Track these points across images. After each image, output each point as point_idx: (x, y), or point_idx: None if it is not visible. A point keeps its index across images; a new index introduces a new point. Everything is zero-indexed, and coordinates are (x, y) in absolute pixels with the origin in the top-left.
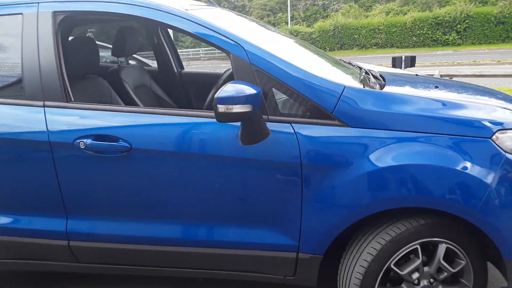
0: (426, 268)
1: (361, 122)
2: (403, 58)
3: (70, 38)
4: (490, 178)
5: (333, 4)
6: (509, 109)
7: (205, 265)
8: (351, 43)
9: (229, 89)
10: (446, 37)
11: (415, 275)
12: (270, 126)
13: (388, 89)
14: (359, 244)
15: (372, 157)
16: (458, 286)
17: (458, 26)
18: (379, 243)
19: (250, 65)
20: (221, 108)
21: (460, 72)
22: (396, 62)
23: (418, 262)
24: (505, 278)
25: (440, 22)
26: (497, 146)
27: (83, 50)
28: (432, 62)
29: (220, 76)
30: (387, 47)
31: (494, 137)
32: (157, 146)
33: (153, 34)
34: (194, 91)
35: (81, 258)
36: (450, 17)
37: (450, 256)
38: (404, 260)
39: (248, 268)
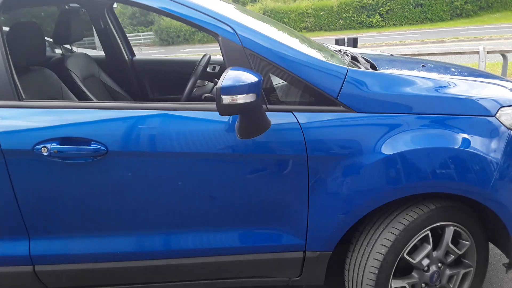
0: (434, 253)
1: (368, 106)
2: (346, 40)
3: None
4: (498, 156)
5: None
6: (503, 86)
7: (205, 276)
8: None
9: (231, 77)
10: (370, 19)
11: (426, 262)
12: (270, 116)
13: (385, 71)
14: (370, 236)
15: (382, 143)
16: (462, 267)
17: (381, 8)
18: (393, 233)
19: (243, 48)
20: (226, 99)
21: (401, 52)
22: (339, 44)
23: (428, 248)
24: (507, 255)
25: (364, 5)
26: (501, 124)
27: (27, 37)
28: (361, 44)
29: (197, 62)
30: (316, 30)
31: (497, 114)
32: (142, 147)
33: (98, 18)
34: (149, 80)
35: (50, 284)
36: (373, 0)
37: (454, 238)
38: (413, 248)
39: (251, 274)
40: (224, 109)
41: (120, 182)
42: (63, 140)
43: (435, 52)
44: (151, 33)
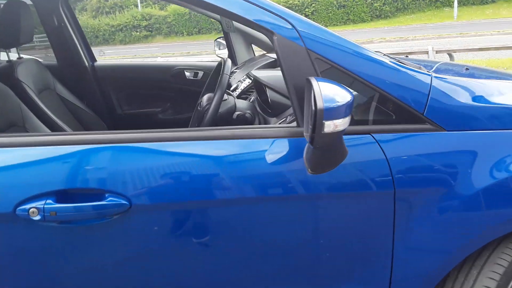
0: None
1: (459, 123)
2: None
3: None
4: None
5: None
6: None
7: None
8: (208, 27)
9: (328, 95)
10: None
11: None
12: (345, 139)
13: (451, 77)
14: (459, 285)
15: (488, 166)
16: None
17: (306, 9)
18: (493, 278)
19: (306, 51)
20: (330, 126)
21: None
22: None
23: None
24: None
25: (290, 6)
26: None
27: None
28: None
29: (220, 71)
30: None
31: None
32: (185, 195)
33: (51, 13)
34: (115, 91)
35: None
36: (299, 1)
37: None
38: None
39: None
40: (323, 140)
41: (149, 250)
42: (61, 195)
43: (386, 53)
44: None
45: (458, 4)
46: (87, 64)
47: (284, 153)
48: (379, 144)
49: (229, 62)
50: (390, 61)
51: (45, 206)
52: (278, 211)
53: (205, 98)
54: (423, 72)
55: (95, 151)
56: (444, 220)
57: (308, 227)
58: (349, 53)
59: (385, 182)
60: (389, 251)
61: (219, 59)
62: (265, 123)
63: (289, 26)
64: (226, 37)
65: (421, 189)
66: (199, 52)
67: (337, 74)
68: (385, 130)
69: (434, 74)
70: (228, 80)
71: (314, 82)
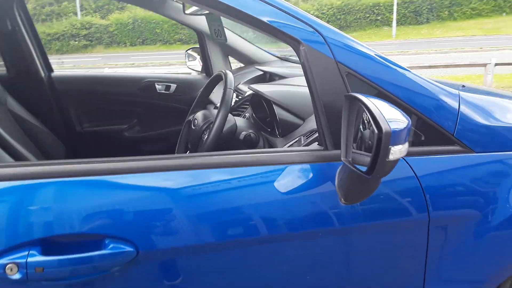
0: None
1: (488, 143)
2: None
3: None
4: None
5: None
6: None
7: None
8: (153, 37)
9: (388, 117)
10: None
11: None
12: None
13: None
14: None
15: None
16: None
17: None
18: None
19: (336, 64)
20: (395, 152)
21: None
22: None
23: None
24: None
25: None
26: None
27: None
28: None
29: (222, 86)
30: (192, 43)
31: None
32: (207, 236)
33: (4, 16)
34: (75, 105)
35: None
36: None
37: None
38: None
39: None
40: (386, 168)
41: None
42: (48, 245)
43: None
44: None
45: (396, 23)
46: (43, 74)
47: (314, 180)
48: (411, 168)
49: (230, 75)
50: (420, 77)
51: (28, 260)
52: (303, 247)
53: (199, 115)
54: (451, 90)
55: (88, 184)
56: (479, 247)
57: (335, 262)
58: (383, 67)
59: (420, 209)
60: (420, 286)
61: (190, 70)
62: (269, 145)
63: (318, 36)
64: (202, 48)
65: (456, 215)
66: (145, 64)
67: (369, 91)
68: (416, 153)
69: (460, 92)
70: (232, 95)
71: (366, 100)
